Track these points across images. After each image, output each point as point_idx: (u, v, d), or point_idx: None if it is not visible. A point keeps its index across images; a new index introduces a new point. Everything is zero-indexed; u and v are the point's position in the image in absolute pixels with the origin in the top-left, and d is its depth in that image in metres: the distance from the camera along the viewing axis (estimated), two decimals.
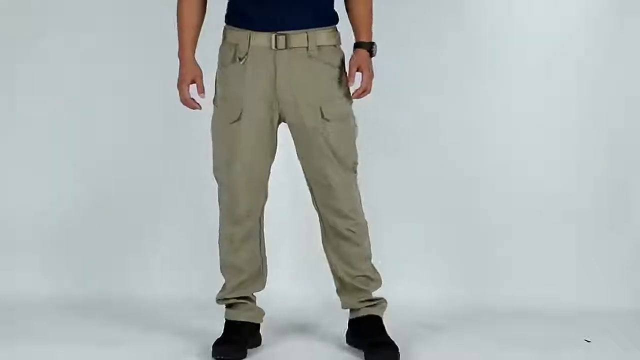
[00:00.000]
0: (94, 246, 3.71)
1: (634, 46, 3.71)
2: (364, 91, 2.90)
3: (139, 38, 3.70)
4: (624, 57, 3.71)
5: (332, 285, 3.04)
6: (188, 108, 2.95)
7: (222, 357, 2.84)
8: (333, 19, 2.92)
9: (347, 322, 3.03)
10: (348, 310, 3.03)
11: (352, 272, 2.96)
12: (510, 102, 3.72)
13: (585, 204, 3.70)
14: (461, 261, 3.65)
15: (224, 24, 2.94)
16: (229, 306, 2.97)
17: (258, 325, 3.00)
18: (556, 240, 3.66)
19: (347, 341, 3.02)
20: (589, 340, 3.09)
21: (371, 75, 2.90)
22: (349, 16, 2.97)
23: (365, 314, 2.97)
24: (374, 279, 3.00)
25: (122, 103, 3.75)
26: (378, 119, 3.54)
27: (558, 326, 3.28)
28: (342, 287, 3.00)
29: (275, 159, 2.98)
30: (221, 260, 2.98)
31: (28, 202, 3.72)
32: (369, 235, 3.00)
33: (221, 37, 2.95)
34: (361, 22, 2.94)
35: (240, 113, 2.85)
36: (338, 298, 3.03)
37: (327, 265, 3.01)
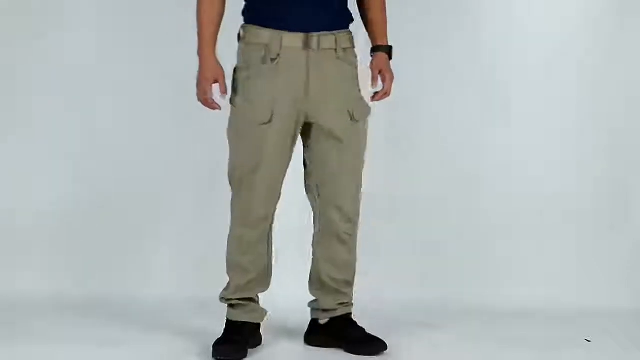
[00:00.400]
0: (94, 246, 3.69)
1: (634, 46, 3.71)
2: (385, 93, 2.92)
3: (139, 38, 3.69)
4: (624, 57, 3.71)
5: None
6: (207, 108, 2.87)
7: (222, 358, 2.84)
8: (350, 21, 2.92)
9: (313, 322, 3.02)
10: (310, 309, 3.03)
11: (337, 276, 2.96)
12: (510, 102, 3.71)
13: (585, 204, 3.70)
14: (461, 261, 3.65)
15: (243, 22, 2.88)
16: (231, 306, 2.97)
17: (259, 325, 2.99)
18: (556, 240, 3.67)
19: (311, 341, 3.01)
20: (589, 340, 3.09)
21: (392, 78, 2.92)
22: (364, 21, 2.98)
23: (343, 312, 2.98)
24: (352, 283, 3.01)
25: (122, 103, 3.74)
26: (377, 119, 3.54)
27: (558, 326, 3.28)
28: (322, 287, 2.98)
29: None
30: (228, 259, 2.96)
31: (28, 202, 3.71)
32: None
33: (231, 36, 2.90)
34: (378, 26, 2.95)
35: (272, 115, 2.80)
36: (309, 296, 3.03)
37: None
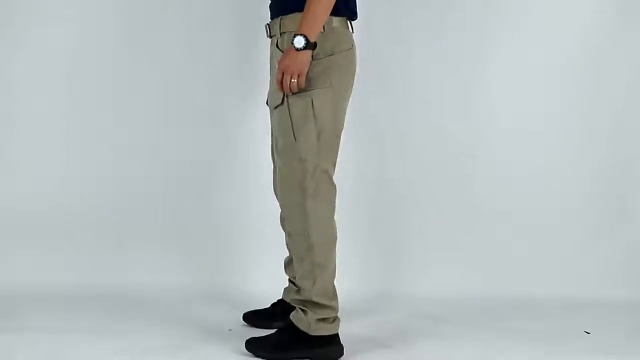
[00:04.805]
0: (94, 240, 3.67)
1: (634, 46, 3.72)
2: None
3: (139, 38, 3.71)
4: (624, 57, 3.72)
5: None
6: None
7: None
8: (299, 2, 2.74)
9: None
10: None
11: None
12: (510, 102, 3.72)
13: (585, 204, 3.70)
14: (463, 257, 3.65)
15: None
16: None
17: None
18: (556, 234, 3.68)
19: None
20: (588, 332, 3.11)
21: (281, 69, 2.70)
22: None
23: None
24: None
25: (122, 103, 3.75)
26: (377, 118, 3.56)
27: (558, 318, 3.29)
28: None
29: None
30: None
31: (28, 197, 3.70)
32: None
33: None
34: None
35: None
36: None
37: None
